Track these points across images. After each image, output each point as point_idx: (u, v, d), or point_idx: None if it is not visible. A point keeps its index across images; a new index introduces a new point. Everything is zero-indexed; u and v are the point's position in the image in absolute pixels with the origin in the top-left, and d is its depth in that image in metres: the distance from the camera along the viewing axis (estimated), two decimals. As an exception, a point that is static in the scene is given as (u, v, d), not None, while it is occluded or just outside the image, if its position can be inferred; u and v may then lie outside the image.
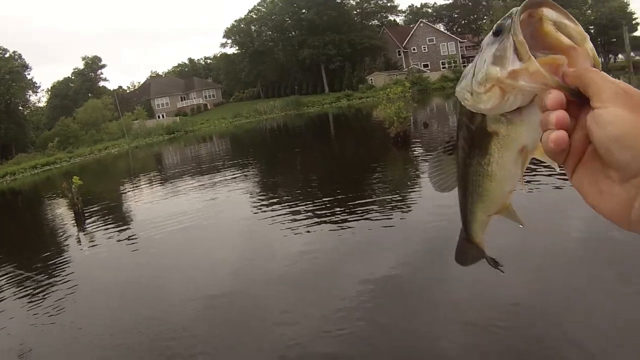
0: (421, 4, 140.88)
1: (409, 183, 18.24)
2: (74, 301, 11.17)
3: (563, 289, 8.26)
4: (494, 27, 1.14)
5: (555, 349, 6.66)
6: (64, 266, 14.32)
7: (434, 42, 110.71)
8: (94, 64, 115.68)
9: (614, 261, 8.87)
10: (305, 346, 7.71)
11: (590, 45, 1.02)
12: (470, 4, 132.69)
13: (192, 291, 10.22)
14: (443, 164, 1.45)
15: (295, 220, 14.37)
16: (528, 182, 14.30)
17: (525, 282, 8.59)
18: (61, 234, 20.38)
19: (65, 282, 12.60)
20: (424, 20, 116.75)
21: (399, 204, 14.80)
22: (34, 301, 11.39)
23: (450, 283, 8.88)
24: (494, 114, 1.13)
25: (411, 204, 14.54)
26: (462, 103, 1.19)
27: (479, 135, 1.22)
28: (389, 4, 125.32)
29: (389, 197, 16.13)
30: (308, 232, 13.15)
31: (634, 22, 78.91)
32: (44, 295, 11.74)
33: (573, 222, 11.26)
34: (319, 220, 14.06)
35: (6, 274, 14.41)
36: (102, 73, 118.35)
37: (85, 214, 22.22)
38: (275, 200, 18.19)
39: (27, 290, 12.33)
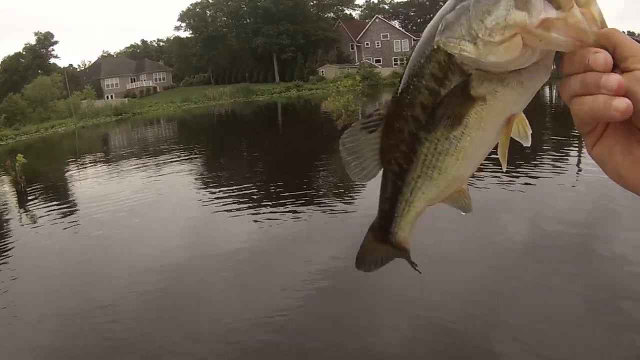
0: (378, 0, 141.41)
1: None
2: (14, 281, 11.24)
3: (504, 286, 8.65)
4: None
5: (495, 344, 6.99)
6: (3, 245, 14.25)
7: (388, 39, 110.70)
8: (46, 40, 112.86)
9: (555, 259, 9.36)
10: (245, 334, 7.80)
11: (597, 7, 0.90)
12: (427, 3, 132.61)
13: (134, 275, 10.31)
14: (361, 145, 1.21)
15: (240, 207, 14.61)
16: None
17: (467, 277, 8.96)
18: (2, 212, 20.18)
19: (4, 262, 12.63)
20: (379, 16, 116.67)
21: (344, 195, 15.12)
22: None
23: (392, 275, 8.89)
24: (502, 69, 0.96)
25: (356, 195, 14.82)
26: (456, 54, 1.00)
27: (452, 101, 1.04)
28: None
29: (334, 188, 16.49)
30: (253, 220, 13.40)
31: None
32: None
33: (513, 220, 11.87)
34: (263, 208, 14.31)
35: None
36: (53, 50, 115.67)
37: (28, 193, 22.10)
38: (220, 188, 18.41)
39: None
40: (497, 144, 1.11)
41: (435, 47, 1.05)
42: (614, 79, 0.84)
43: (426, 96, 1.08)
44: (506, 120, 1.06)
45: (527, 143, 1.10)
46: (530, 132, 1.10)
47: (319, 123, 39.89)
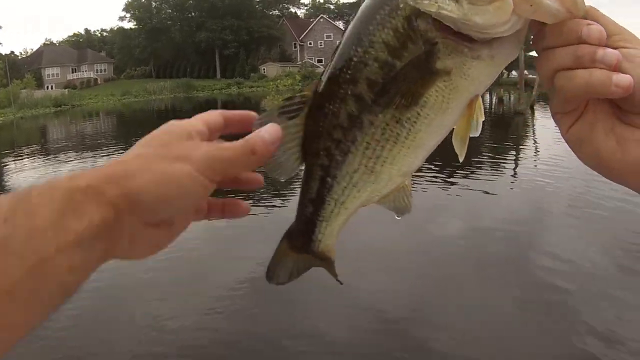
0: (324, 0, 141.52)
1: (289, 178, 17.83)
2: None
3: (438, 288, 8.70)
4: None
5: (430, 343, 6.94)
6: None
7: (332, 39, 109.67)
8: None
9: (490, 262, 9.51)
10: (179, 335, 7.62)
11: None
12: None
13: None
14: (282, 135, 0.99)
15: None
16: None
17: (401, 280, 9.00)
18: None
19: None
20: (324, 16, 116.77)
21: (277, 195, 15.05)
22: None
23: (326, 281, 8.91)
24: (484, 35, 0.85)
25: (290, 195, 14.70)
26: (433, 13, 0.86)
27: (410, 75, 0.91)
28: None
29: (270, 187, 16.12)
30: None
31: (531, 42, 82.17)
32: None
33: (449, 224, 11.92)
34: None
35: None
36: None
37: None
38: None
39: None
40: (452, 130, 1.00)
41: (401, 6, 0.90)
42: (612, 53, 0.79)
43: (375, 70, 0.93)
44: (469, 102, 0.95)
45: (477, 133, 1.00)
46: (482, 119, 0.99)
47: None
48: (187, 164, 0.82)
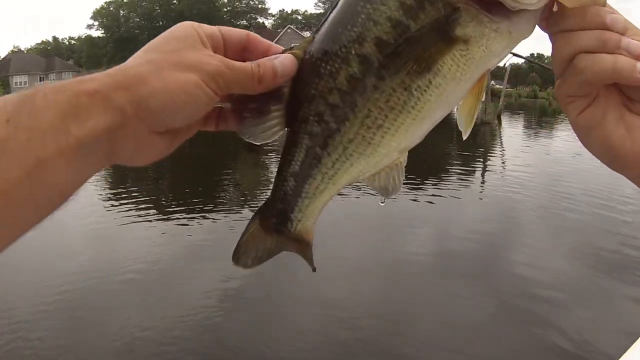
0: (292, 10, 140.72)
1: (258, 186, 18.04)
2: None
3: (408, 293, 8.76)
4: None
5: (400, 348, 6.95)
6: None
7: None
8: None
9: (460, 268, 9.54)
10: (151, 346, 7.40)
11: None
12: None
13: (32, 284, 9.73)
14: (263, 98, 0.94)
15: (144, 215, 14.39)
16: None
17: (371, 285, 9.05)
18: None
19: None
20: (291, 27, 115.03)
21: (248, 206, 14.79)
22: None
23: (296, 289, 8.75)
24: (516, 4, 0.81)
25: (260, 201, 14.42)
26: None
27: (425, 39, 0.84)
28: (259, 6, 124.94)
29: (238, 199, 16.38)
30: (157, 228, 13.09)
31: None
32: None
33: (420, 231, 12.01)
34: (166, 221, 13.86)
35: None
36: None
37: None
38: (123, 195, 18.10)
39: None
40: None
41: None
42: (637, 43, 0.81)
43: (387, 29, 0.86)
44: (482, 75, 0.91)
45: (467, 132, 0.96)
46: (477, 114, 0.95)
47: (224, 133, 39.15)
48: (197, 74, 0.83)
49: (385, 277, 9.50)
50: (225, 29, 0.96)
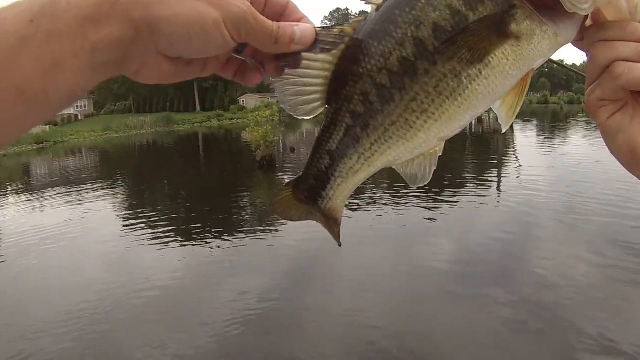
0: None
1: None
2: None
3: (428, 303, 8.86)
4: None
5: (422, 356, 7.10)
6: None
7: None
8: None
9: (478, 276, 9.63)
10: None
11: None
12: None
13: (50, 311, 9.74)
14: (311, 66, 0.95)
15: (163, 239, 14.40)
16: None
17: (393, 295, 9.12)
18: None
19: None
20: None
21: (263, 227, 14.79)
22: None
23: (317, 305, 8.91)
24: (571, 6, 0.84)
25: (275, 227, 14.52)
26: None
27: (481, 30, 0.87)
28: None
29: (253, 220, 16.37)
30: (177, 251, 13.09)
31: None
32: None
33: (438, 240, 12.10)
34: (187, 240, 14.04)
35: None
36: None
37: None
38: (142, 220, 18.03)
39: None
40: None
41: None
42: None
43: (446, 16, 0.88)
44: (526, 74, 0.94)
45: (506, 126, 1.00)
46: (518, 110, 0.97)
47: (239, 154, 39.66)
48: (220, 12, 0.82)
49: (406, 287, 9.54)
50: None
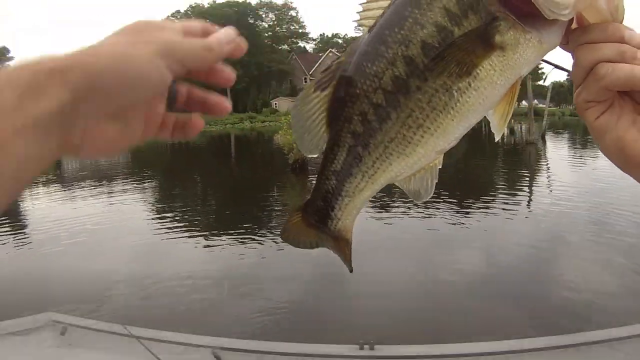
0: (332, 34, 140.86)
1: None
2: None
3: (454, 321, 8.44)
4: None
5: None
6: None
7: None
8: (2, 55, 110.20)
9: (508, 294, 9.36)
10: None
11: None
12: None
13: (80, 295, 9.93)
14: (314, 107, 1.02)
15: (192, 237, 14.50)
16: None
17: (418, 310, 8.89)
18: None
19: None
20: (333, 50, 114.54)
21: None
22: None
23: (344, 307, 8.90)
24: (551, 13, 0.87)
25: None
26: None
27: (468, 44, 0.91)
28: (300, 31, 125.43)
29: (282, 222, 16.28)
30: (205, 250, 13.18)
31: (539, 71, 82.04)
32: None
33: (467, 250, 12.06)
34: (215, 239, 14.07)
35: None
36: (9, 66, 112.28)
37: None
38: (172, 217, 18.20)
39: None
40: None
41: None
42: None
43: (432, 33, 0.92)
44: (515, 82, 0.97)
45: (499, 135, 1.03)
46: (509, 118, 1.00)
47: (271, 156, 39.93)
48: (149, 46, 0.83)
49: (433, 300, 9.41)
50: (187, 22, 0.97)
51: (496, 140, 1.07)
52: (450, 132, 0.99)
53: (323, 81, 1.01)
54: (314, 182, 1.10)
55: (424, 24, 0.92)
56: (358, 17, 1.05)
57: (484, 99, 0.96)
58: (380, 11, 1.00)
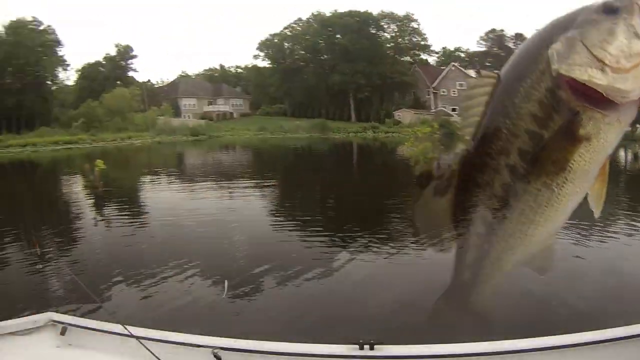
0: (454, 48, 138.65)
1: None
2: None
3: None
4: (602, 5, 1.02)
5: None
6: (75, 243, 15.71)
7: (464, 87, 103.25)
8: (125, 53, 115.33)
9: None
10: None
11: None
12: (503, 54, 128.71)
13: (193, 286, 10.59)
14: (434, 214, 1.20)
15: (313, 242, 14.71)
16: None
17: None
18: (78, 213, 21.44)
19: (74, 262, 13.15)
20: (455, 64, 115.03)
21: (420, 243, 14.50)
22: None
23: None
24: (623, 99, 0.94)
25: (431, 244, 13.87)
26: (585, 81, 0.96)
27: (558, 143, 0.99)
28: (422, 43, 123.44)
29: (408, 233, 15.80)
30: (324, 257, 13.22)
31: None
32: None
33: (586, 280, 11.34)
34: (336, 247, 14.22)
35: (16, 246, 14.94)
36: (132, 63, 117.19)
37: (105, 197, 23.33)
38: (292, 220, 18.70)
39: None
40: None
41: (555, 74, 1.01)
42: None
43: (525, 141, 1.03)
44: (605, 160, 1.04)
45: (598, 212, 1.10)
46: (604, 195, 1.08)
47: (394, 167, 39.82)
48: None
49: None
50: None
51: (596, 216, 1.17)
52: (556, 219, 1.11)
53: (440, 188, 1.21)
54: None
55: (517, 133, 1.05)
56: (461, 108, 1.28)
57: (581, 186, 1.06)
58: (477, 102, 1.17)
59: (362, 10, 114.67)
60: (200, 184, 28.33)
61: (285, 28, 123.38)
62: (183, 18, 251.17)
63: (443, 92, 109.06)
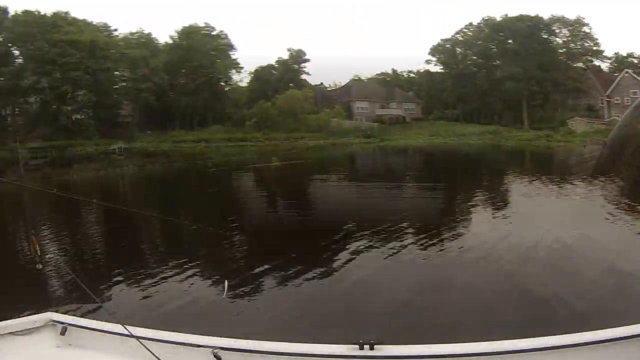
0: (627, 53, 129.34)
1: None
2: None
3: None
4: None
5: None
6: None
7: (638, 96, 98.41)
8: (297, 57, 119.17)
9: None
10: None
11: None
12: None
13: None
14: None
15: None
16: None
17: None
18: None
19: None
20: (629, 71, 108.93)
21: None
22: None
23: None
24: None
25: None
26: None
27: None
28: (595, 48, 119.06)
29: None
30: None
31: None
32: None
33: None
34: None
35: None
36: (305, 67, 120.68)
37: None
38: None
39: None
40: None
41: None
42: None
43: None
44: None
45: None
46: None
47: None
48: None
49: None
50: None
51: None
52: None
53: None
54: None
55: None
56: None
57: None
58: None
59: (532, 14, 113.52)
60: (379, 184, 28.89)
61: (457, 33, 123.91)
62: (353, 22, 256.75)
63: (617, 100, 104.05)
